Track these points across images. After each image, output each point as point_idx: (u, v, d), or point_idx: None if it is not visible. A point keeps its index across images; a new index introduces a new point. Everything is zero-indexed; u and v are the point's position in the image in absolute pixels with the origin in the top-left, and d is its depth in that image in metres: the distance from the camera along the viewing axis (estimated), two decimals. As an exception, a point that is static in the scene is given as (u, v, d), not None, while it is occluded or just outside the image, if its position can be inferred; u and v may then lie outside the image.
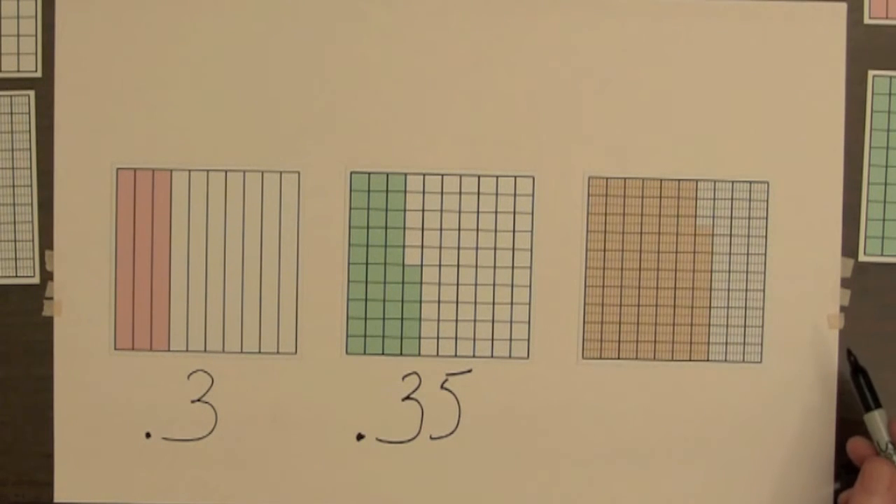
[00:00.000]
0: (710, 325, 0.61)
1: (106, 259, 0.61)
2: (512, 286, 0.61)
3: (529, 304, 0.61)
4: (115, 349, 0.61)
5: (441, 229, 0.61)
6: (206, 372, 0.61)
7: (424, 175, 0.61)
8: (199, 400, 0.61)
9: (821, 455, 0.60)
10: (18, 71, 0.61)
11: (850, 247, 0.61)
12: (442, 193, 0.61)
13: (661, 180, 0.61)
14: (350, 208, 0.61)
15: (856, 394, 0.57)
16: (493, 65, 0.60)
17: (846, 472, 0.59)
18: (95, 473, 0.61)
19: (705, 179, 0.61)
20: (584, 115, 0.60)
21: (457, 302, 0.61)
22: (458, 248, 0.61)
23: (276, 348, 0.61)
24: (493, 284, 0.61)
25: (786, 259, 0.60)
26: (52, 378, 0.61)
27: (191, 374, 0.61)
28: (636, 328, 0.61)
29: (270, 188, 0.61)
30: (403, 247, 0.61)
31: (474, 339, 0.61)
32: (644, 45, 0.60)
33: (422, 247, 0.61)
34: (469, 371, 0.61)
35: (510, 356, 0.61)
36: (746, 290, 0.61)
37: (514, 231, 0.61)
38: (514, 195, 0.61)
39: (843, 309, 0.61)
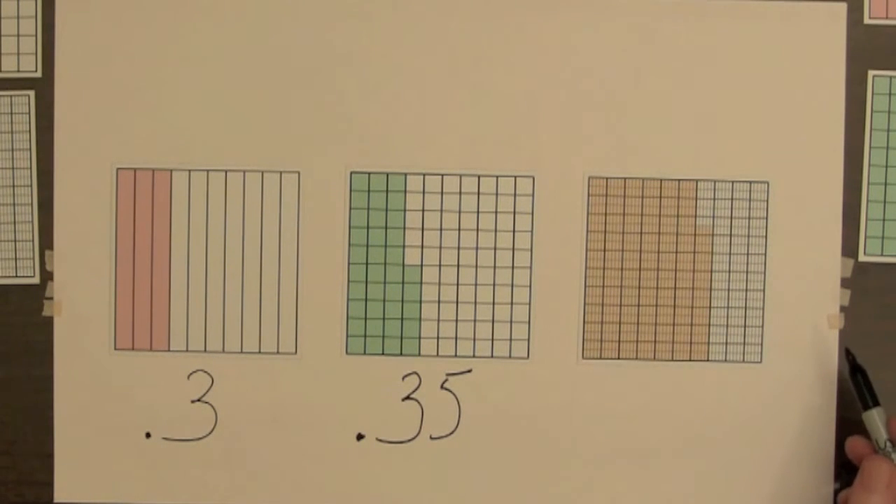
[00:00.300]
0: (710, 325, 0.61)
1: (106, 259, 0.61)
2: (512, 286, 0.61)
3: (529, 304, 0.61)
4: (115, 349, 0.61)
5: (441, 229, 0.61)
6: (206, 372, 0.61)
7: (424, 175, 0.61)
8: (199, 400, 0.61)
9: (821, 455, 0.60)
10: (18, 71, 0.61)
11: (850, 247, 0.61)
12: (442, 193, 0.61)
13: (661, 180, 0.61)
14: (350, 208, 0.61)
15: (854, 392, 0.57)
16: (493, 65, 0.60)
17: (846, 471, 0.60)
18: (95, 473, 0.61)
19: (705, 179, 0.61)
20: (584, 115, 0.60)
21: (457, 302, 0.61)
22: (458, 248, 0.61)
23: (276, 348, 0.61)
24: (493, 284, 0.61)
25: (786, 259, 0.60)
26: (52, 378, 0.61)
27: (191, 374, 0.61)
28: (636, 328, 0.61)
29: (270, 188, 0.61)
30: (403, 247, 0.61)
31: (474, 339, 0.61)
32: (644, 45, 0.60)
33: (422, 247, 0.61)
34: (469, 371, 0.61)
35: (510, 356, 0.61)
36: (746, 290, 0.61)
37: (514, 231, 0.61)
38: (514, 195, 0.61)
39: (843, 309, 0.61)
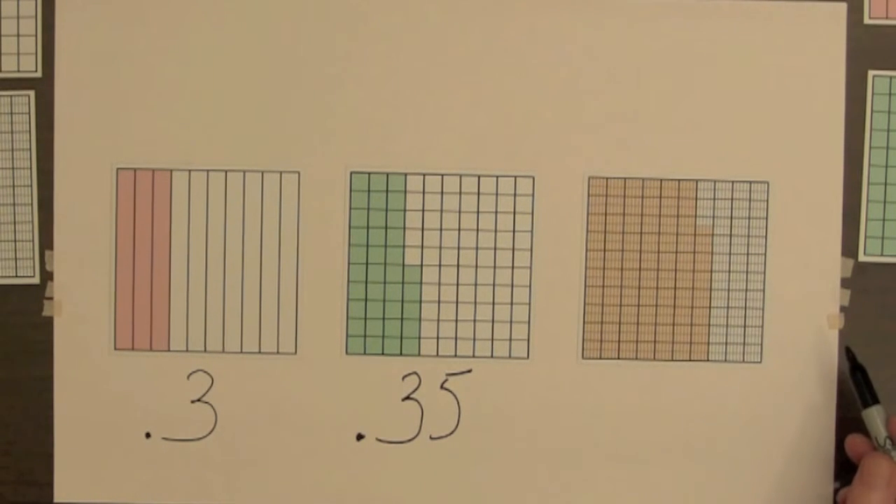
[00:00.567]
0: (710, 325, 0.61)
1: (106, 259, 0.61)
2: (512, 286, 0.61)
3: (529, 304, 0.61)
4: (115, 349, 0.61)
5: (441, 229, 0.61)
6: (206, 372, 0.61)
7: (424, 175, 0.61)
8: (199, 400, 0.61)
9: (821, 454, 0.60)
10: (18, 71, 0.61)
11: (850, 247, 0.61)
12: (442, 193, 0.61)
13: (661, 180, 0.61)
14: (350, 208, 0.61)
15: (854, 390, 0.57)
16: (493, 65, 0.60)
17: (846, 471, 0.60)
18: (95, 473, 0.61)
19: (705, 179, 0.61)
20: (584, 116, 0.60)
21: (457, 302, 0.61)
22: (458, 248, 0.61)
23: (276, 348, 0.61)
24: (493, 284, 0.61)
25: (786, 259, 0.60)
26: (52, 378, 0.61)
27: (191, 374, 0.61)
28: (636, 328, 0.61)
29: (270, 188, 0.61)
30: (403, 247, 0.61)
31: (474, 339, 0.61)
32: (644, 46, 0.60)
33: (422, 247, 0.61)
34: (469, 371, 0.61)
35: (510, 356, 0.61)
36: (746, 290, 0.61)
37: (514, 231, 0.61)
38: (514, 195, 0.61)
39: (843, 309, 0.61)
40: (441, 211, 0.61)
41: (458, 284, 0.61)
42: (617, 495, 0.61)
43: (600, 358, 0.61)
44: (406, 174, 0.61)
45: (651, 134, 0.60)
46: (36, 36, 0.61)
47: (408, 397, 0.61)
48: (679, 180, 0.61)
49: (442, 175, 0.61)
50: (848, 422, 0.60)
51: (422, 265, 0.61)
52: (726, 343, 0.61)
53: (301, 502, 0.61)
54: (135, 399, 0.61)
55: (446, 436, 0.61)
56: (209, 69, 0.61)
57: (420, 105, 0.60)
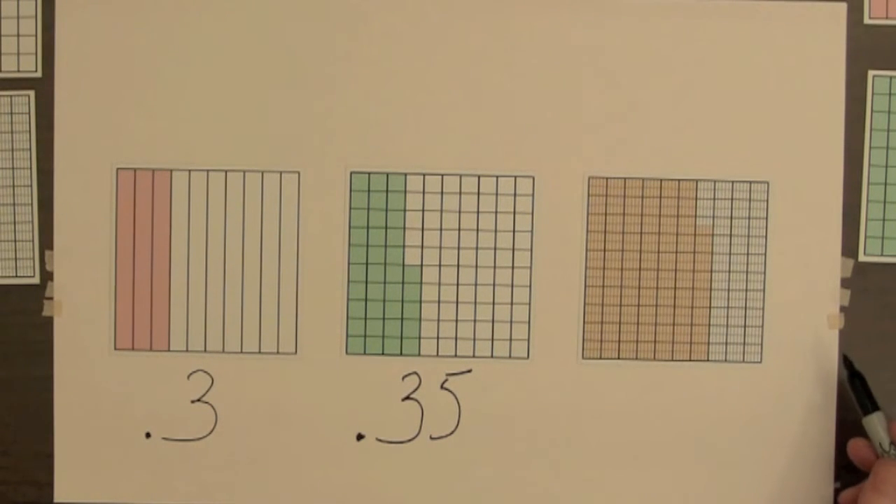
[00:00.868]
0: (710, 325, 0.61)
1: (106, 259, 0.61)
2: (512, 286, 0.61)
3: (529, 304, 0.61)
4: (115, 349, 0.61)
5: (441, 229, 0.61)
6: (206, 372, 0.61)
7: (424, 175, 0.61)
8: (199, 400, 0.61)
9: (821, 455, 0.60)
10: (18, 71, 0.61)
11: (850, 247, 0.61)
12: (442, 193, 0.61)
13: (661, 180, 0.61)
14: (350, 208, 0.61)
15: (853, 398, 0.57)
16: (493, 65, 0.60)
17: (846, 471, 0.60)
18: (95, 473, 0.61)
19: (705, 179, 0.61)
20: (584, 116, 0.60)
21: (457, 302, 0.61)
22: (458, 248, 0.61)
23: (276, 348, 0.61)
24: (493, 284, 0.61)
25: (786, 259, 0.60)
26: (52, 378, 0.61)
27: (191, 374, 0.61)
28: (636, 328, 0.61)
29: (270, 188, 0.61)
30: (403, 247, 0.61)
31: (474, 339, 0.61)
32: (644, 46, 0.60)
33: (422, 247, 0.61)
34: (469, 371, 0.61)
35: (510, 356, 0.61)
36: (746, 290, 0.61)
37: (514, 231, 0.61)
38: (514, 195, 0.61)
39: (843, 309, 0.61)
40: (441, 211, 0.61)
41: (458, 284, 0.61)
42: (617, 495, 0.61)
43: (600, 358, 0.61)
44: (406, 174, 0.61)
45: (651, 134, 0.60)
46: (36, 36, 0.61)
47: (408, 397, 0.61)
48: (679, 180, 0.61)
49: (442, 175, 0.61)
50: (848, 422, 0.60)
51: (422, 265, 0.61)
52: (726, 343, 0.61)
53: (301, 502, 0.61)
54: (135, 399, 0.61)
55: (446, 436, 0.61)
56: (209, 69, 0.61)
57: (420, 105, 0.60)
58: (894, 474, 0.52)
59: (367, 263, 0.61)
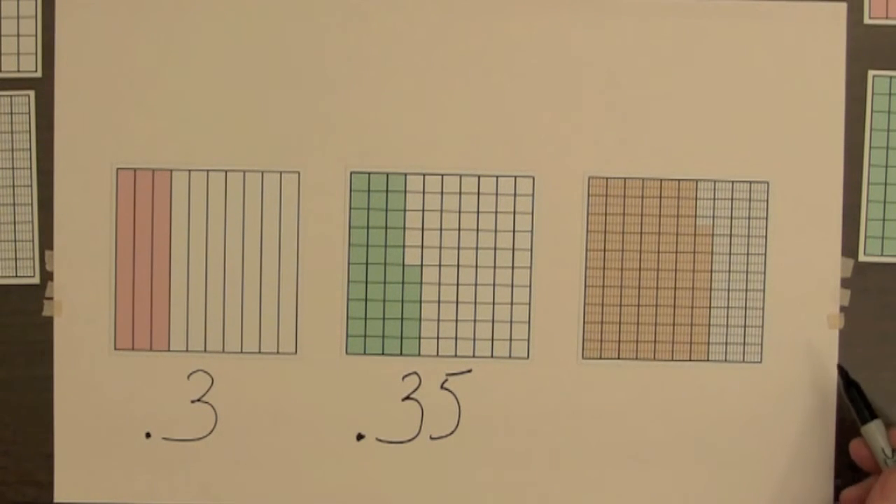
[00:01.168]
0: (710, 325, 0.61)
1: (106, 259, 0.61)
2: (512, 286, 0.61)
3: (529, 304, 0.61)
4: (115, 349, 0.61)
5: (441, 229, 0.61)
6: (206, 372, 0.61)
7: (424, 175, 0.61)
8: (199, 400, 0.61)
9: (821, 455, 0.60)
10: (18, 71, 0.61)
11: (850, 247, 0.61)
12: (442, 193, 0.61)
13: (661, 180, 0.61)
14: (350, 208, 0.61)
15: (851, 408, 0.57)
16: (494, 65, 0.60)
17: (849, 469, 0.59)
18: (95, 473, 0.61)
19: (705, 179, 0.61)
20: (585, 115, 0.60)
21: (457, 302, 0.61)
22: (458, 248, 0.61)
23: (276, 348, 0.61)
24: (493, 284, 0.61)
25: (786, 259, 0.60)
26: (52, 378, 0.61)
27: (191, 374, 0.61)
28: (636, 328, 0.61)
29: (270, 188, 0.61)
30: (403, 247, 0.61)
31: (474, 339, 0.61)
32: (644, 45, 0.60)
33: (422, 247, 0.61)
34: (469, 371, 0.61)
35: (510, 356, 0.61)
36: (746, 290, 0.61)
37: (514, 231, 0.61)
38: (514, 195, 0.61)
39: (843, 309, 0.61)
40: (441, 211, 0.61)
41: (458, 284, 0.61)
42: (617, 495, 0.61)
43: (600, 358, 0.61)
44: (406, 174, 0.61)
45: (651, 134, 0.60)
46: (36, 36, 0.61)
47: (408, 397, 0.61)
48: (679, 180, 0.61)
49: (442, 175, 0.61)
50: (848, 422, 0.60)
51: (422, 265, 0.61)
52: (726, 343, 0.61)
53: (301, 502, 0.61)
54: (135, 399, 0.61)
55: (446, 436, 0.61)
56: (209, 69, 0.61)
57: (420, 105, 0.60)
58: None
59: (367, 263, 0.61)
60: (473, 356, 0.61)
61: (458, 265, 0.61)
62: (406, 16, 0.60)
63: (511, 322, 0.61)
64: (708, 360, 0.61)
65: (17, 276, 0.61)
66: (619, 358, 0.61)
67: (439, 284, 0.61)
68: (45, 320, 0.61)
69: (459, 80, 0.60)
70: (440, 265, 0.61)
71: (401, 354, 0.61)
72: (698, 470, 0.61)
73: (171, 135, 0.61)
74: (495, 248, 0.61)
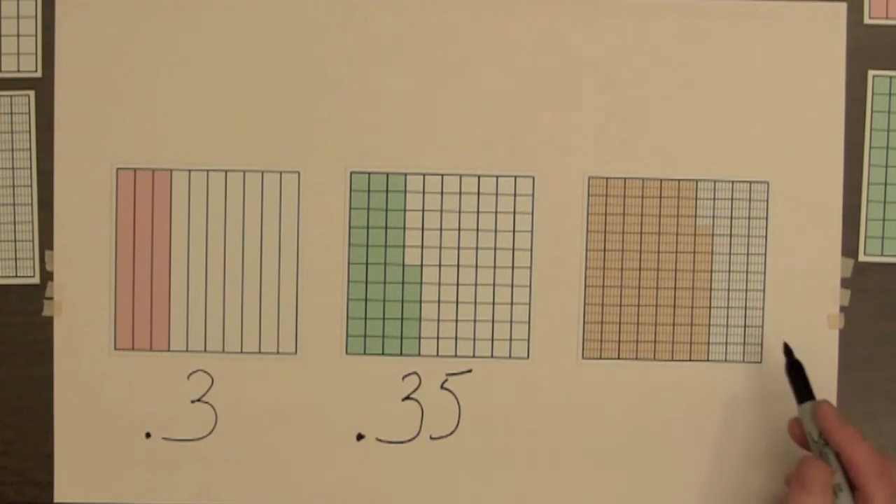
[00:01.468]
0: (710, 325, 0.61)
1: (106, 259, 0.61)
2: (512, 286, 0.61)
3: (529, 304, 0.61)
4: (115, 349, 0.61)
5: (441, 229, 0.61)
6: (206, 372, 0.61)
7: (424, 175, 0.61)
8: (199, 400, 0.61)
9: (821, 455, 0.60)
10: (18, 71, 0.61)
11: (850, 247, 0.61)
12: (442, 193, 0.61)
13: (661, 180, 0.61)
14: (350, 208, 0.61)
15: (791, 387, 0.57)
16: (494, 65, 0.60)
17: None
18: (95, 473, 0.61)
19: (705, 179, 0.61)
20: (584, 115, 0.60)
21: (457, 302, 0.61)
22: (458, 248, 0.61)
23: (276, 348, 0.61)
24: (493, 284, 0.61)
25: (786, 259, 0.60)
26: (52, 378, 0.61)
27: (191, 374, 0.61)
28: (636, 328, 0.61)
29: (270, 188, 0.61)
30: (403, 247, 0.61)
31: (474, 339, 0.61)
32: (644, 45, 0.60)
33: (422, 247, 0.61)
34: (469, 371, 0.61)
35: (510, 356, 0.61)
36: (746, 290, 0.61)
37: (514, 231, 0.61)
38: (514, 195, 0.61)
39: (843, 309, 0.61)
40: (441, 211, 0.61)
41: (458, 284, 0.61)
42: (617, 495, 0.61)
43: (600, 358, 0.61)
44: (406, 174, 0.61)
45: (651, 134, 0.60)
46: (36, 36, 0.61)
47: (408, 397, 0.61)
48: (679, 180, 0.61)
49: (442, 175, 0.61)
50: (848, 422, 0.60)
51: (422, 265, 0.61)
52: (726, 343, 0.61)
53: (301, 502, 0.61)
54: (135, 399, 0.61)
55: (446, 436, 0.61)
56: (209, 69, 0.61)
57: (420, 105, 0.61)
58: (818, 472, 0.52)
59: (367, 263, 0.61)
60: (473, 356, 0.61)
61: (458, 265, 0.61)
62: (406, 16, 0.61)
63: (511, 322, 0.61)
64: (708, 360, 0.61)
65: (17, 276, 0.61)
66: (619, 358, 0.61)
67: (439, 284, 0.61)
68: (45, 320, 0.61)
69: (459, 81, 0.60)
70: (440, 265, 0.61)
71: (401, 354, 0.61)
72: (698, 469, 0.61)
73: (171, 135, 0.61)
74: (495, 248, 0.61)
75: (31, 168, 0.61)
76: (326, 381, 0.61)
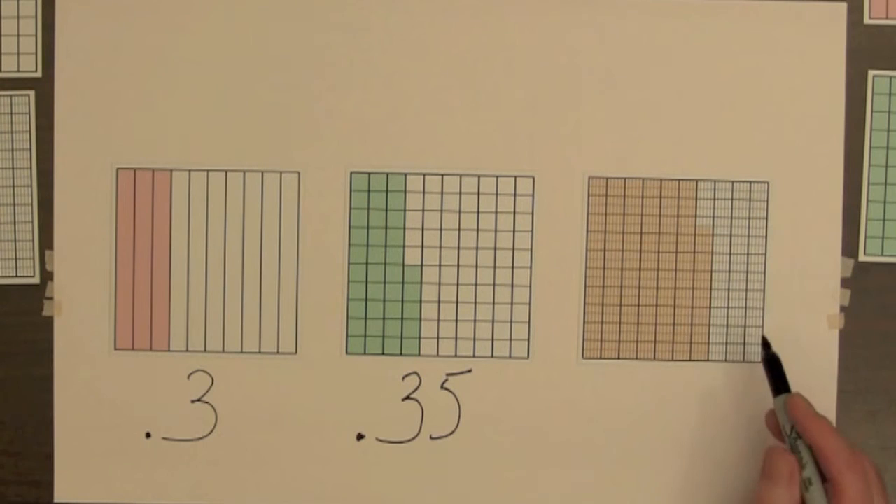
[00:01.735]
0: (710, 325, 0.61)
1: (106, 259, 0.61)
2: (512, 286, 0.61)
3: (529, 304, 0.61)
4: (115, 349, 0.61)
5: (441, 229, 0.61)
6: (206, 372, 0.61)
7: (424, 175, 0.61)
8: (199, 400, 0.61)
9: (821, 455, 0.60)
10: (18, 71, 0.61)
11: (850, 247, 0.61)
12: (442, 193, 0.61)
13: (661, 180, 0.61)
14: (350, 208, 0.61)
15: (767, 379, 0.56)
16: (493, 65, 0.60)
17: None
18: (95, 473, 0.61)
19: (705, 179, 0.61)
20: (584, 115, 0.60)
21: (457, 302, 0.61)
22: (458, 248, 0.61)
23: (276, 348, 0.61)
24: (493, 284, 0.61)
25: (786, 259, 0.60)
26: (52, 378, 0.61)
27: (191, 374, 0.61)
28: (636, 328, 0.61)
29: (270, 188, 0.61)
30: (403, 247, 0.61)
31: (474, 339, 0.61)
32: (644, 45, 0.60)
33: (422, 247, 0.61)
34: (469, 371, 0.61)
35: (510, 356, 0.61)
36: (746, 290, 0.61)
37: (514, 231, 0.61)
38: (514, 195, 0.61)
39: (843, 309, 0.61)
40: (441, 211, 0.61)
41: (458, 284, 0.61)
42: (617, 495, 0.61)
43: (600, 358, 0.61)
44: (406, 174, 0.61)
45: (651, 134, 0.60)
46: (36, 36, 0.61)
47: (408, 397, 0.61)
48: (679, 180, 0.61)
49: (442, 175, 0.61)
50: (848, 422, 0.60)
51: (422, 265, 0.61)
52: (726, 343, 0.61)
53: (301, 502, 0.61)
54: (135, 399, 0.61)
55: (446, 436, 0.61)
56: (209, 69, 0.61)
57: (420, 105, 0.60)
58: (784, 464, 0.52)
59: (367, 263, 0.61)
60: (473, 356, 0.61)
61: (458, 265, 0.61)
62: (406, 16, 0.60)
63: (511, 322, 0.61)
64: (708, 360, 0.61)
65: (17, 276, 0.61)
66: (619, 358, 0.61)
67: (439, 284, 0.61)
68: (45, 320, 0.61)
69: (459, 80, 0.60)
70: (440, 265, 0.61)
71: (401, 354, 0.61)
72: (699, 470, 0.61)
73: (171, 135, 0.61)
74: (495, 248, 0.61)
75: (31, 168, 0.61)
76: (326, 381, 0.61)
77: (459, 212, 0.61)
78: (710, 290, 0.61)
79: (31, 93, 0.61)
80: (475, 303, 0.61)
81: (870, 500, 0.50)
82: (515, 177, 0.61)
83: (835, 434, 0.51)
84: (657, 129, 0.60)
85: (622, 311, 0.61)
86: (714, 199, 0.61)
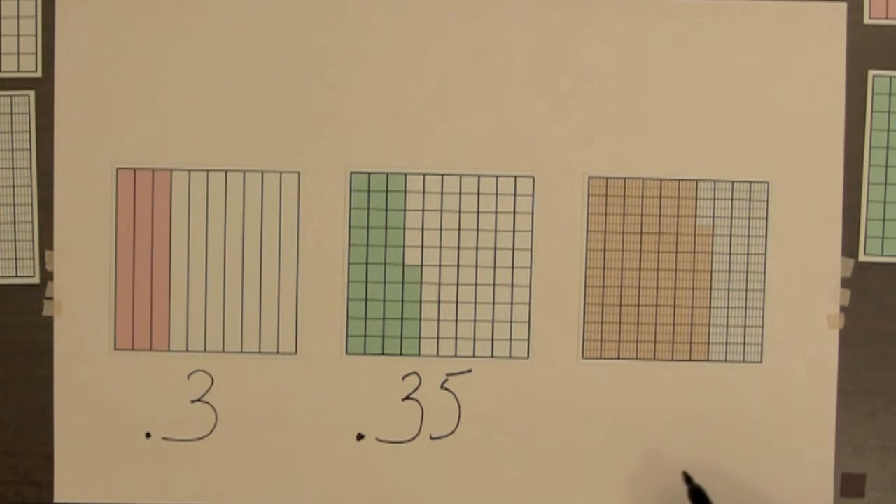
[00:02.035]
0: (710, 325, 0.61)
1: (106, 259, 0.61)
2: (512, 286, 0.61)
3: (529, 304, 0.61)
4: (115, 349, 0.61)
5: (441, 229, 0.61)
6: (206, 372, 0.61)
7: (424, 175, 0.61)
8: (199, 400, 0.61)
9: (820, 454, 0.60)
10: (18, 71, 0.61)
11: (850, 247, 0.61)
12: (442, 193, 0.61)
13: (661, 180, 0.61)
14: (350, 208, 0.61)
15: None
16: (493, 65, 0.60)
17: (849, 467, 0.60)
18: (95, 473, 0.61)
19: (705, 179, 0.61)
20: (585, 115, 0.60)
21: (457, 302, 0.61)
22: (458, 248, 0.61)
23: (276, 348, 0.61)
24: (493, 284, 0.61)
25: (786, 259, 0.61)
26: (52, 378, 0.61)
27: (191, 374, 0.61)
28: (636, 328, 0.61)
29: (270, 188, 0.61)
30: (403, 247, 0.61)
31: (474, 339, 0.61)
32: (644, 45, 0.60)
33: (422, 247, 0.61)
34: (469, 371, 0.61)
35: (510, 356, 0.61)
36: (746, 290, 0.61)
37: (514, 231, 0.61)
38: (514, 195, 0.61)
39: (843, 309, 0.61)
40: (441, 211, 0.61)
41: (458, 284, 0.61)
42: (617, 494, 0.61)
43: (600, 358, 0.61)
44: (406, 174, 0.61)
45: (651, 134, 0.60)
46: (36, 36, 0.61)
47: (408, 397, 0.61)
48: (679, 180, 0.61)
49: (442, 175, 0.61)
50: (848, 422, 0.60)
51: (422, 265, 0.61)
52: (726, 343, 0.61)
53: (301, 502, 0.61)
54: (135, 399, 0.61)
55: (446, 436, 0.61)
56: (209, 69, 0.61)
57: (420, 105, 0.61)
58: None
59: (367, 263, 0.61)
60: (473, 356, 0.61)
61: (458, 265, 0.61)
62: (406, 16, 0.61)
63: (511, 322, 0.61)
64: (708, 360, 0.61)
65: (17, 276, 0.61)
66: (619, 358, 0.61)
67: (439, 284, 0.61)
68: (45, 320, 0.61)
69: (459, 80, 0.60)
70: (440, 265, 0.61)
71: (401, 354, 0.61)
72: (698, 469, 0.61)
73: (171, 135, 0.61)
74: (495, 248, 0.61)
75: (31, 168, 0.61)
76: (326, 381, 0.61)
77: (459, 212, 0.61)
78: (710, 290, 0.61)
79: (31, 93, 0.61)
80: (475, 303, 0.61)
81: None
82: (515, 177, 0.61)
83: None
84: (657, 129, 0.60)
85: (622, 311, 0.61)
86: (714, 199, 0.61)
